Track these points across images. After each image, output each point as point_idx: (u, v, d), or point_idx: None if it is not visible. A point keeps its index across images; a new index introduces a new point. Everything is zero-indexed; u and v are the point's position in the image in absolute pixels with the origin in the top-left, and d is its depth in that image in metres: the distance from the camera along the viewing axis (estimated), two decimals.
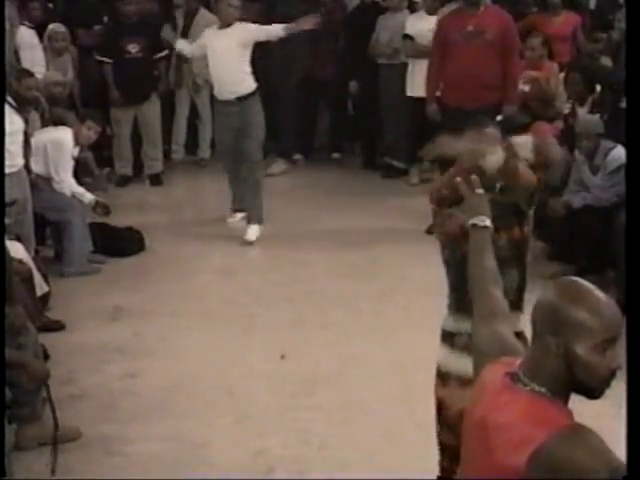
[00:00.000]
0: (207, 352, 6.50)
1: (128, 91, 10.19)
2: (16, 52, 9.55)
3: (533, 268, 7.65)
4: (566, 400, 2.56)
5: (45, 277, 6.79)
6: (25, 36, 9.70)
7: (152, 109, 10.49)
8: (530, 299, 7.48)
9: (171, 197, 10.34)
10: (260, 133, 8.53)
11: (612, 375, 2.52)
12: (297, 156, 11.38)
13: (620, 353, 2.52)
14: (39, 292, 6.55)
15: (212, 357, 6.42)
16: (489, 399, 2.60)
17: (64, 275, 7.81)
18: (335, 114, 11.59)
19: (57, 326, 6.80)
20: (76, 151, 8.24)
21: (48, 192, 7.87)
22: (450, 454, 3.99)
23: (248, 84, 8.48)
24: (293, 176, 10.94)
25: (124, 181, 10.62)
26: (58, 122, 8.53)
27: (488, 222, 3.14)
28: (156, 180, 10.69)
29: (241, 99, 8.44)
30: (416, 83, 9.71)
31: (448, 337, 4.07)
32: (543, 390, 2.52)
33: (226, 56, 8.31)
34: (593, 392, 2.54)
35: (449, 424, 4.01)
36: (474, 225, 3.14)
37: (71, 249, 7.95)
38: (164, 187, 10.63)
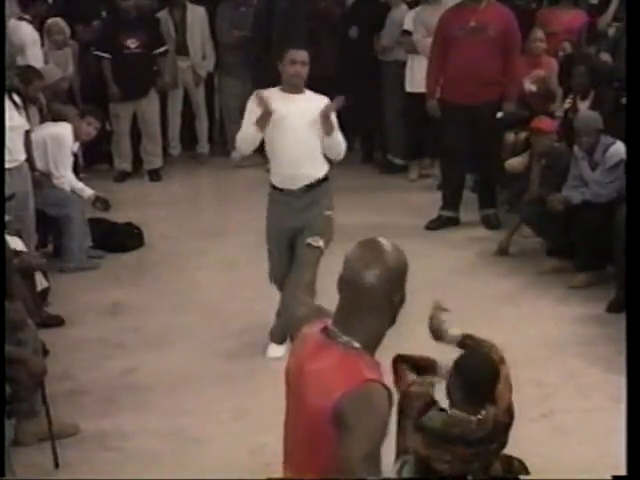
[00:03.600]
0: (207, 348, 6.50)
1: (127, 87, 10.18)
2: (22, 50, 9.53)
3: (532, 264, 7.76)
4: (373, 352, 2.86)
5: (44, 273, 6.79)
6: (27, 32, 9.68)
7: (151, 105, 10.49)
8: (529, 294, 7.49)
9: (170, 193, 10.33)
10: (329, 238, 5.29)
11: None
12: None
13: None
14: (39, 287, 6.55)
15: (212, 353, 6.42)
16: (307, 351, 2.89)
17: (63, 270, 7.81)
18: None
19: (56, 321, 6.81)
20: (76, 146, 8.24)
21: (47, 188, 7.86)
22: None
23: (323, 166, 6.21)
24: None
25: (123, 177, 10.62)
26: (58, 117, 8.53)
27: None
28: (155, 176, 10.69)
29: (311, 187, 6.10)
30: (416, 79, 9.70)
31: None
32: (356, 344, 2.80)
33: (303, 132, 6.06)
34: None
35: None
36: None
37: (70, 245, 7.95)
38: (163, 183, 10.63)
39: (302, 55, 6.09)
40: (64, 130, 8.08)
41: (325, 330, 2.89)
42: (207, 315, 7.02)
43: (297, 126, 6.03)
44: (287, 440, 3.05)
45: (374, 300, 2.83)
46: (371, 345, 2.86)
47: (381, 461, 2.78)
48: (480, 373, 4.03)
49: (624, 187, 7.29)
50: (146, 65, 10.29)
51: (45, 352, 5.91)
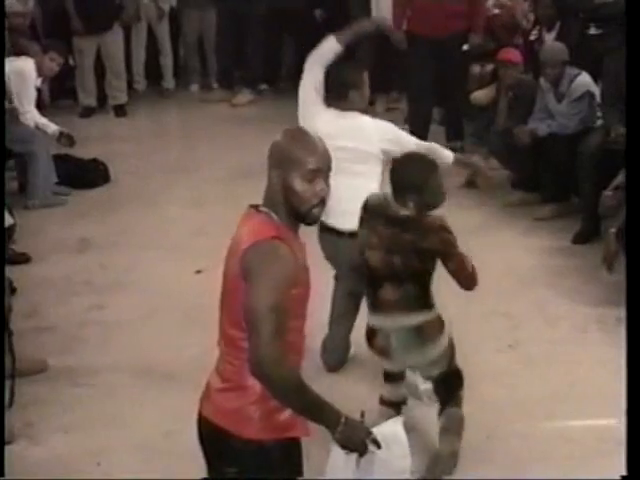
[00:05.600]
0: (175, 284, 6.48)
1: (90, 20, 10.05)
2: None
3: (498, 196, 7.77)
4: (294, 227, 3.06)
5: (10, 210, 6.73)
6: None
7: (115, 39, 10.38)
8: (496, 226, 7.51)
9: (136, 128, 10.25)
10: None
11: (321, 202, 3.03)
12: (263, 86, 11.29)
13: None
14: (5, 225, 6.50)
15: (180, 288, 6.41)
16: (239, 224, 3.10)
17: (29, 207, 7.76)
18: (301, 44, 11.47)
19: (23, 259, 6.79)
20: (39, 82, 8.14)
21: (12, 124, 7.77)
22: None
23: None
24: (260, 106, 10.86)
25: (88, 112, 10.52)
26: (20, 52, 8.40)
27: None
28: (120, 111, 10.61)
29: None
30: (383, 11, 9.62)
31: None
32: (273, 215, 3.02)
33: (355, 164, 5.07)
34: (304, 218, 3.05)
35: None
36: None
37: (36, 181, 7.89)
38: (128, 118, 10.55)
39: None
40: (26, 65, 7.98)
41: (255, 206, 3.10)
42: (174, 251, 6.99)
43: None
44: (220, 311, 3.29)
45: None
46: (290, 221, 3.05)
47: (287, 313, 2.93)
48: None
49: (590, 118, 7.33)
50: None
51: (12, 290, 5.88)
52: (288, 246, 2.96)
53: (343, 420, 2.99)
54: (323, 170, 3.03)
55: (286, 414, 3.04)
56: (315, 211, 3.04)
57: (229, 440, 3.07)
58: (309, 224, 3.10)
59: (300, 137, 3.09)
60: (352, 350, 5.36)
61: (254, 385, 3.00)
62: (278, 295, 2.89)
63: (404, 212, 4.22)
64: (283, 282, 2.91)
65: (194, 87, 11.29)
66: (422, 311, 4.28)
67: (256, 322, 2.90)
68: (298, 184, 3.00)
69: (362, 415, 3.16)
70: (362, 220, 4.41)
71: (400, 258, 4.21)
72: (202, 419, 3.19)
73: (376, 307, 4.37)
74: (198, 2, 10.82)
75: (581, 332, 5.82)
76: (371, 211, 4.36)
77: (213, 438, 3.15)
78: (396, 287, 4.26)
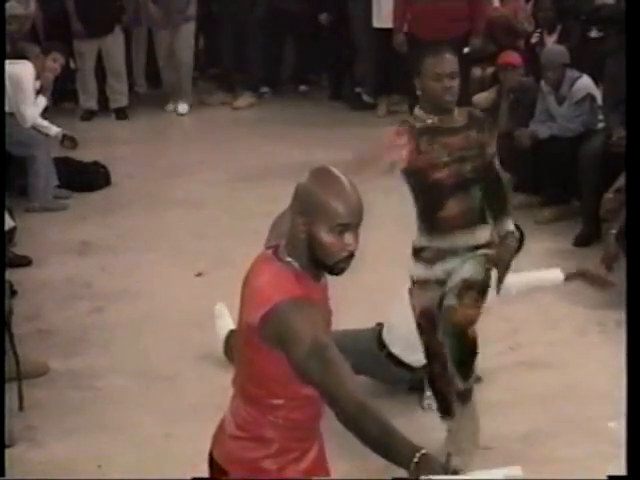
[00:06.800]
0: (176, 287, 6.49)
1: (91, 23, 10.05)
2: None
3: None
4: (316, 275, 2.85)
5: (10, 212, 6.74)
6: None
7: (116, 42, 10.37)
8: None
9: (137, 131, 10.25)
10: None
11: (349, 256, 2.78)
12: (264, 89, 11.30)
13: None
14: (5, 227, 6.50)
15: (181, 292, 6.42)
16: (255, 267, 2.93)
17: (29, 210, 7.76)
18: (302, 46, 11.49)
19: (23, 262, 6.78)
20: (38, 84, 8.13)
21: (11, 127, 7.77)
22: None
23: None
24: (260, 109, 10.86)
25: (89, 115, 10.52)
26: (19, 56, 8.40)
27: None
28: (121, 114, 10.59)
29: None
30: (383, 14, 9.63)
31: (417, 251, 4.51)
32: (295, 264, 2.81)
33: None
34: (331, 269, 2.81)
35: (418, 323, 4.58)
36: None
37: (36, 184, 7.89)
38: (130, 121, 10.54)
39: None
40: (21, 69, 7.96)
41: (275, 248, 2.91)
42: (175, 254, 7.00)
43: None
44: (235, 355, 3.10)
45: None
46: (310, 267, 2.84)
47: (329, 346, 2.73)
48: None
49: (590, 121, 7.33)
50: (110, 1, 10.14)
51: (13, 292, 5.88)
52: (309, 300, 2.77)
53: (419, 455, 2.60)
54: (354, 224, 2.77)
55: (306, 462, 2.95)
56: (342, 265, 2.79)
57: None
58: (335, 274, 2.84)
59: (331, 183, 2.78)
60: None
61: (273, 438, 2.89)
62: (317, 336, 2.70)
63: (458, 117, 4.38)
64: (317, 324, 2.73)
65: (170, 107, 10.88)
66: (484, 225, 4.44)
67: (302, 372, 2.72)
68: (325, 236, 2.75)
69: (448, 456, 2.75)
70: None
71: (470, 163, 4.36)
72: (214, 463, 3.05)
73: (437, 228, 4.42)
74: (170, 21, 10.44)
75: (581, 334, 5.82)
76: (425, 131, 4.35)
77: None
78: (462, 199, 4.36)
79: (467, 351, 4.41)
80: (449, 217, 4.36)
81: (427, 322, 4.52)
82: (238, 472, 2.94)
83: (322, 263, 2.80)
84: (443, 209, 4.35)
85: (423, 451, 2.59)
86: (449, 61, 4.32)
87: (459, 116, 4.39)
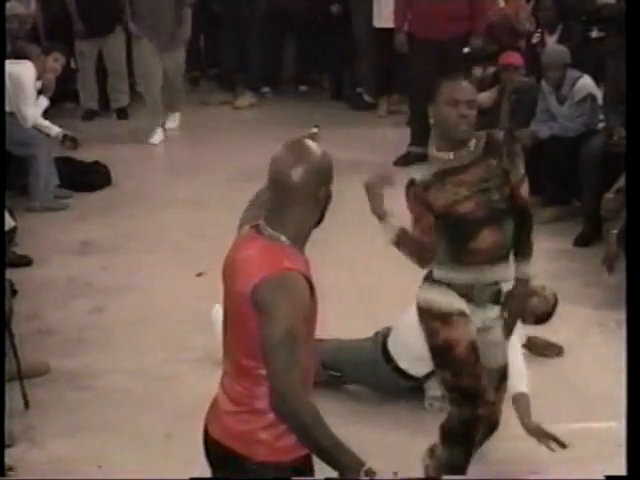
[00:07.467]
0: (176, 286, 6.49)
1: (92, 23, 10.05)
2: None
3: None
4: (301, 246, 3.04)
5: (11, 212, 6.74)
6: None
7: (117, 42, 10.35)
8: None
9: (138, 131, 10.24)
10: None
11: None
12: (265, 88, 11.30)
13: None
14: (6, 227, 6.51)
15: (181, 291, 6.41)
16: (239, 244, 3.09)
17: (30, 210, 7.76)
18: (302, 46, 11.49)
19: (24, 261, 6.78)
20: (39, 84, 8.13)
21: (12, 127, 7.77)
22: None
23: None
24: (261, 109, 10.85)
25: (90, 115, 10.52)
26: (20, 56, 8.40)
27: None
28: (122, 114, 10.59)
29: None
30: (384, 14, 9.63)
31: (444, 284, 4.16)
32: (282, 237, 2.99)
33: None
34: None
35: (462, 361, 4.12)
36: None
37: (37, 184, 7.89)
38: (131, 121, 10.53)
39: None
40: (21, 69, 7.96)
41: (256, 226, 3.06)
42: (175, 254, 7.00)
43: None
44: (224, 332, 3.17)
45: (299, 196, 3.00)
46: (297, 240, 3.03)
47: (300, 341, 2.90)
48: None
49: (591, 121, 7.33)
50: (111, 1, 10.14)
51: (13, 292, 5.88)
52: (299, 272, 2.94)
53: (365, 469, 2.86)
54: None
55: None
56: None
57: (244, 463, 3.03)
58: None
59: (312, 150, 3.11)
60: None
61: (267, 409, 2.97)
62: (291, 326, 2.87)
63: (475, 146, 4.09)
64: (296, 314, 2.89)
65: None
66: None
67: (269, 352, 2.88)
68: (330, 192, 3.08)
69: (395, 475, 2.94)
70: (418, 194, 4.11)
71: (496, 192, 4.06)
72: (210, 441, 3.13)
73: (464, 262, 4.10)
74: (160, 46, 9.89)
75: (582, 335, 5.82)
76: (431, 182, 4.07)
77: (226, 461, 3.09)
78: (495, 230, 4.05)
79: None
80: (480, 250, 4.04)
81: (474, 356, 4.14)
82: (236, 445, 3.04)
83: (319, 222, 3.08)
84: (475, 241, 4.04)
85: (368, 466, 2.85)
86: (467, 89, 4.11)
87: (477, 144, 4.10)
